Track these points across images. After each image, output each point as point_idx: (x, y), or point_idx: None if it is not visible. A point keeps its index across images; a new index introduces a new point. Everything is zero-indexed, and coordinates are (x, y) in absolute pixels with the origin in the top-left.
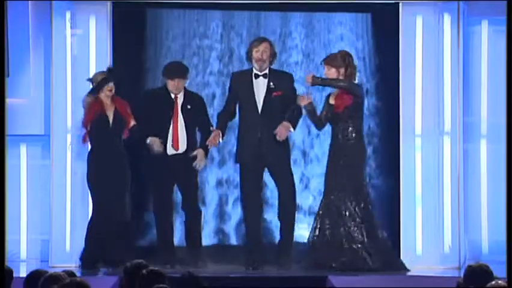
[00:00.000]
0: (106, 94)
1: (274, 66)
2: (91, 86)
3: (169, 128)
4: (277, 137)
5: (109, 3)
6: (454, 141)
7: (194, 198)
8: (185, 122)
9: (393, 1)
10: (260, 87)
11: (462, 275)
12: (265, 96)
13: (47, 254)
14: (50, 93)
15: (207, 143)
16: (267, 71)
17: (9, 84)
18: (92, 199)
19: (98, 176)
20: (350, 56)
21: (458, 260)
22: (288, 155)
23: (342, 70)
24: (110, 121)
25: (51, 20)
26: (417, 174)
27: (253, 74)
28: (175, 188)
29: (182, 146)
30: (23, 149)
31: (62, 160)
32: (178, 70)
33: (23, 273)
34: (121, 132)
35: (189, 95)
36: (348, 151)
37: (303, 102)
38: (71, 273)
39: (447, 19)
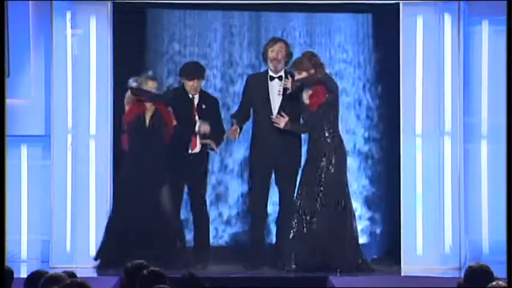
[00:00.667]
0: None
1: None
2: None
3: (189, 128)
4: (275, 124)
5: (109, 3)
6: (455, 141)
7: (202, 199)
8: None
9: (393, 1)
10: (275, 90)
11: (462, 276)
12: (281, 100)
13: (48, 254)
14: (50, 94)
15: (227, 135)
16: (282, 73)
17: (9, 85)
18: (117, 199)
19: (131, 178)
20: (315, 55)
21: (458, 260)
22: (298, 160)
23: (311, 71)
24: (147, 122)
25: (52, 20)
26: (418, 174)
27: (268, 77)
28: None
29: (198, 146)
30: (23, 150)
31: (63, 160)
32: (196, 71)
33: (23, 274)
34: (159, 134)
35: (204, 96)
36: (326, 151)
37: (282, 125)
38: (71, 274)
39: (447, 19)
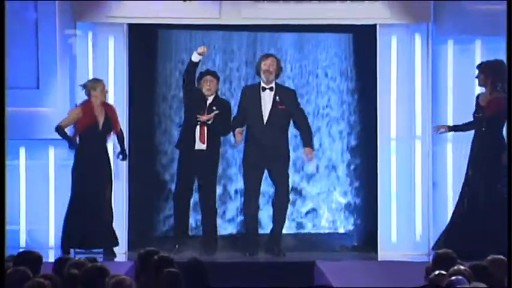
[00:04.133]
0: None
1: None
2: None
3: (196, 125)
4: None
5: (125, 25)
6: (424, 144)
7: (212, 193)
8: (207, 121)
9: (371, 23)
10: (267, 100)
11: (431, 260)
12: (271, 109)
13: None
14: (74, 103)
15: (237, 143)
16: (273, 85)
17: (38, 96)
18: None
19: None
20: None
21: (427, 247)
22: (287, 160)
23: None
24: (100, 125)
25: (76, 39)
26: (393, 173)
27: (260, 87)
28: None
29: (207, 143)
30: (51, 151)
31: None
32: (210, 72)
33: (51, 259)
34: (108, 134)
35: (218, 99)
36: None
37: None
38: (93, 260)
39: (418, 39)
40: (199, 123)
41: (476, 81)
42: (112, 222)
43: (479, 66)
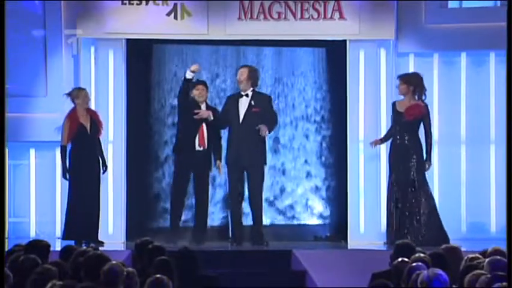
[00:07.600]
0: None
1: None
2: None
3: (197, 129)
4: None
5: (123, 40)
6: (388, 145)
7: (206, 188)
8: (206, 125)
9: (342, 39)
10: (243, 104)
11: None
12: (245, 112)
13: None
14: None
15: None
16: (249, 92)
17: (46, 103)
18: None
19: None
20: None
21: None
22: (264, 157)
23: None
24: (88, 129)
25: (79, 53)
26: (361, 171)
27: (239, 94)
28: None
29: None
30: (57, 152)
31: None
32: (200, 81)
33: (58, 248)
34: (97, 135)
35: (209, 107)
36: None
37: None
38: (95, 248)
39: (383, 53)
40: (199, 127)
41: (397, 90)
42: (98, 215)
43: (400, 78)
